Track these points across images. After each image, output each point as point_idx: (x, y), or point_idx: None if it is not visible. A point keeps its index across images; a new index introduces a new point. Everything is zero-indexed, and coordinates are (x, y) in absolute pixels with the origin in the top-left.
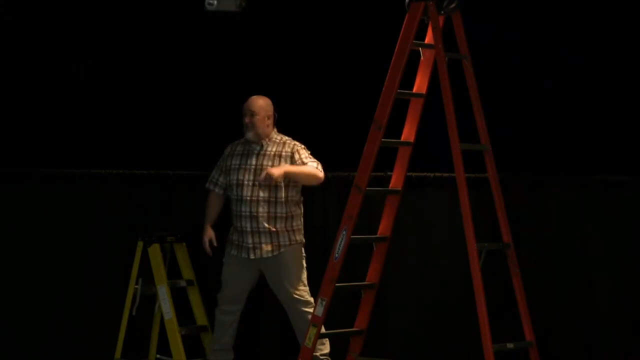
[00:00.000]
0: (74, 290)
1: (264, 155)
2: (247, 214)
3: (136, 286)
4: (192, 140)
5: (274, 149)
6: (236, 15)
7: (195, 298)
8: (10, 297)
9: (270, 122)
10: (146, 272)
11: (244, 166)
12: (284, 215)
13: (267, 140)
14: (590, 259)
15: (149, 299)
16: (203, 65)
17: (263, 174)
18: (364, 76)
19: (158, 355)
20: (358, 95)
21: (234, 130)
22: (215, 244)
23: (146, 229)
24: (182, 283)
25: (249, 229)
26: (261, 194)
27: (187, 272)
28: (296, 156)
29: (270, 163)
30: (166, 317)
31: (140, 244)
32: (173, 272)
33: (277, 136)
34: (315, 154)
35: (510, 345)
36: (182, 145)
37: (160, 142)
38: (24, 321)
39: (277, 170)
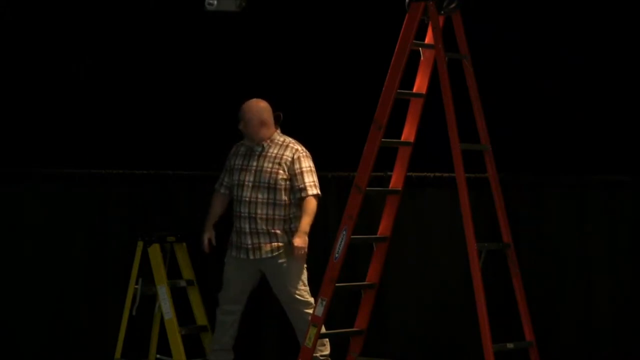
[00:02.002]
0: (74, 290)
1: (265, 156)
2: (246, 214)
3: (136, 286)
4: (192, 140)
5: (275, 151)
6: (236, 15)
7: (195, 298)
8: (10, 297)
9: (266, 126)
10: (146, 272)
11: (245, 167)
12: (283, 217)
13: (268, 141)
14: (590, 259)
15: (149, 299)
16: (203, 66)
17: (296, 253)
18: (364, 76)
19: (158, 355)
20: (358, 95)
21: (234, 131)
22: (214, 243)
23: (146, 229)
24: (182, 283)
25: (247, 230)
26: (260, 195)
27: (187, 272)
28: (296, 165)
29: (270, 165)
30: (166, 317)
31: (140, 244)
32: (173, 272)
33: (280, 137)
34: (315, 154)
35: (510, 345)
36: (182, 145)
37: (160, 142)
38: (24, 321)
39: (302, 241)
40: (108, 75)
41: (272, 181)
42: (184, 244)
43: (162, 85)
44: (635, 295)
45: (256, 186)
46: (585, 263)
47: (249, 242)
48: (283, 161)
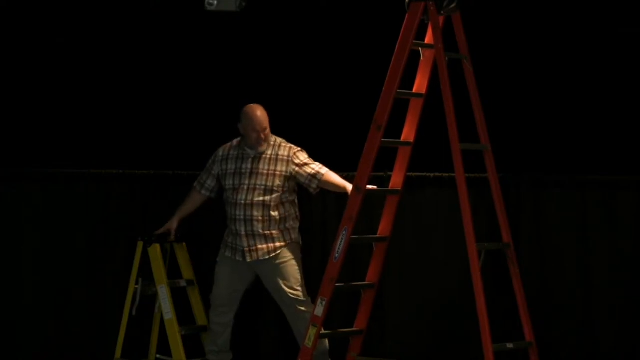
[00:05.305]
0: (74, 290)
1: (260, 158)
2: (242, 217)
3: (136, 286)
4: (192, 140)
5: (269, 152)
6: (236, 15)
7: (195, 298)
8: (11, 296)
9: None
10: (146, 272)
11: (239, 170)
12: (278, 217)
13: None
14: (590, 259)
15: (149, 299)
16: (203, 66)
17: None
18: (364, 76)
19: (158, 355)
20: (358, 95)
21: (233, 131)
22: (172, 237)
23: (146, 229)
24: (182, 283)
25: (243, 232)
26: (256, 198)
27: (187, 272)
28: (296, 161)
29: (266, 167)
30: (166, 317)
31: (140, 244)
32: (173, 272)
33: (271, 138)
34: (315, 155)
35: (510, 345)
36: (182, 145)
37: (160, 142)
38: (24, 321)
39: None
40: (108, 75)
41: (269, 183)
42: (184, 244)
43: (162, 85)
44: (635, 295)
45: (252, 189)
46: (585, 263)
47: (245, 244)
48: (279, 161)
